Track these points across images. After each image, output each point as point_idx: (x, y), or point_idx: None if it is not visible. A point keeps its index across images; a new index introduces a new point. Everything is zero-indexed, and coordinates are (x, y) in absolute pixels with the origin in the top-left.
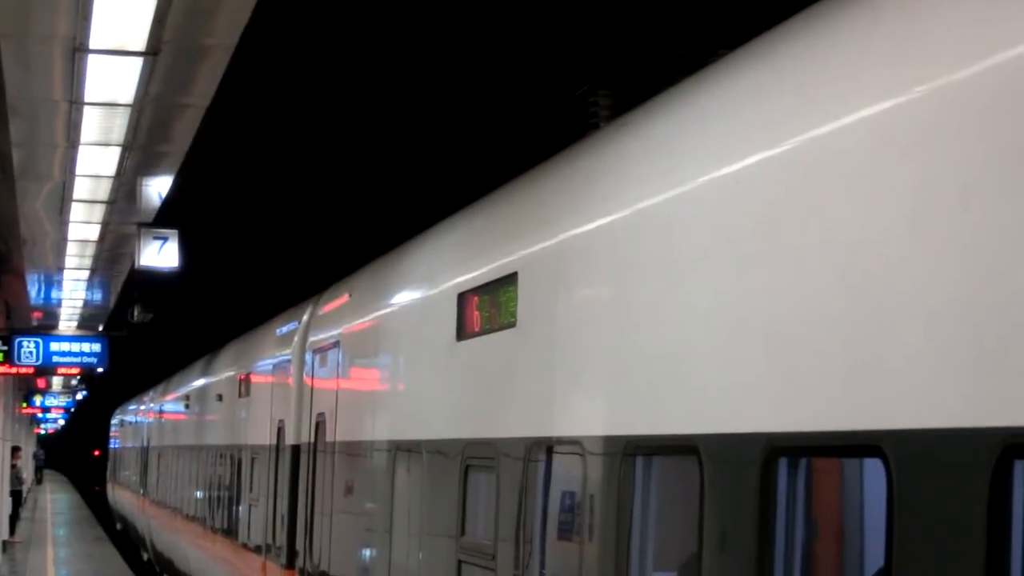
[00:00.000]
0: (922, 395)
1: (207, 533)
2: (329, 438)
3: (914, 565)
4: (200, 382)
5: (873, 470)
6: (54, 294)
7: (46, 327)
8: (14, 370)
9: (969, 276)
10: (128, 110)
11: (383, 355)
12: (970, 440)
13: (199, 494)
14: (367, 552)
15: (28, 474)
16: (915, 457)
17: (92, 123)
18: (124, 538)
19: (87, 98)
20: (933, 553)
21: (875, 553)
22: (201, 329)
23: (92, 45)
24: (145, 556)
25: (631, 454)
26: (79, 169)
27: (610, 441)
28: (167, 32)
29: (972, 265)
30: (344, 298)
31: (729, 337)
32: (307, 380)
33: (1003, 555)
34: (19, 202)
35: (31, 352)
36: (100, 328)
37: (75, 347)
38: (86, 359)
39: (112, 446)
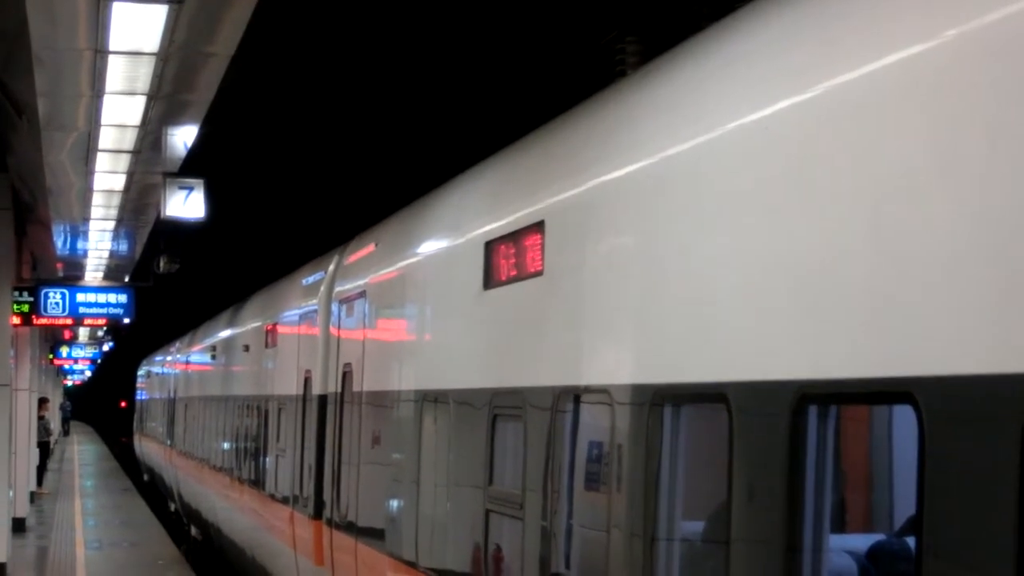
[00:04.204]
0: (953, 341)
1: (234, 484)
2: (356, 388)
3: (946, 513)
4: (227, 333)
5: (904, 417)
6: (80, 245)
7: (72, 278)
8: (46, 321)
9: (1000, 219)
10: (153, 59)
11: (410, 305)
12: (1002, 386)
13: (226, 445)
14: (394, 502)
15: (55, 425)
16: (946, 404)
17: (117, 72)
18: (151, 489)
19: (112, 47)
20: (965, 501)
21: (906, 501)
22: (227, 279)
23: None
24: (172, 507)
25: (659, 403)
26: (104, 119)
27: (638, 390)
28: None
29: (1002, 208)
30: (370, 247)
31: (758, 284)
32: (333, 330)
33: None
34: (44, 152)
35: (57, 303)
36: (126, 279)
37: (101, 298)
38: (112, 310)
39: (139, 397)
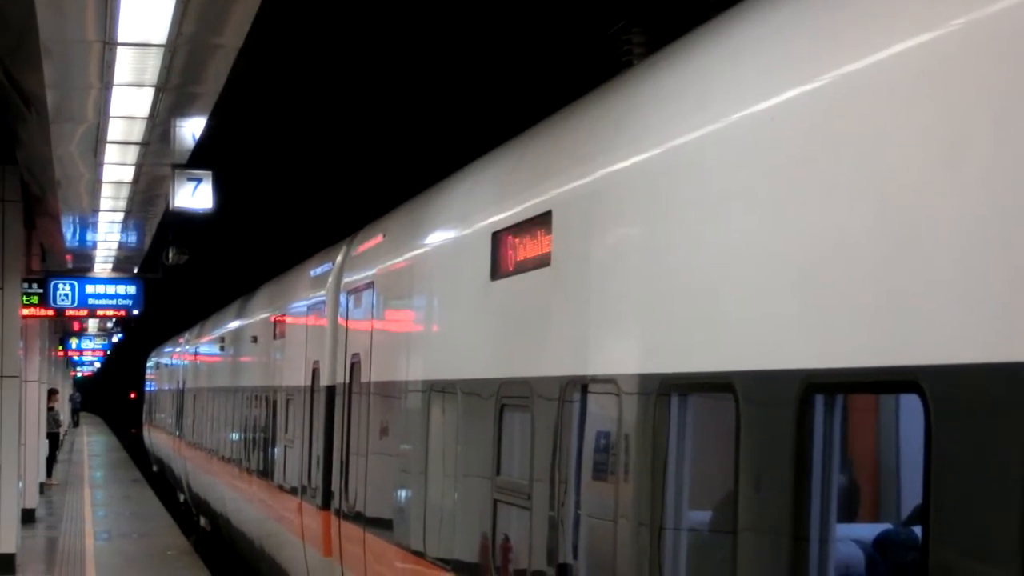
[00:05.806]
0: (959, 330)
1: (243, 474)
2: (364, 379)
3: (953, 503)
4: (235, 324)
5: (910, 406)
6: (89, 236)
7: (81, 270)
8: (52, 312)
9: (1006, 207)
10: (161, 50)
11: (417, 295)
12: (1008, 375)
13: (235, 436)
14: (402, 492)
15: (65, 417)
16: (953, 392)
17: (125, 64)
18: (160, 480)
19: (120, 38)
20: (972, 490)
21: (913, 490)
22: (236, 271)
23: None
24: (181, 497)
25: (666, 392)
26: (113, 110)
27: (645, 379)
28: None
29: (1008, 196)
30: (378, 238)
31: (764, 273)
32: (341, 321)
33: None
34: (53, 144)
35: (67, 295)
36: (135, 270)
37: (110, 289)
38: (121, 301)
39: (148, 388)
